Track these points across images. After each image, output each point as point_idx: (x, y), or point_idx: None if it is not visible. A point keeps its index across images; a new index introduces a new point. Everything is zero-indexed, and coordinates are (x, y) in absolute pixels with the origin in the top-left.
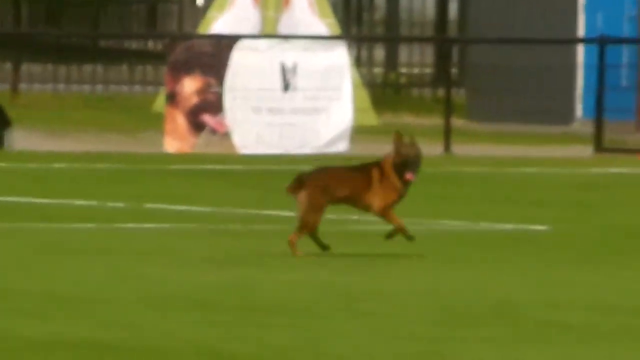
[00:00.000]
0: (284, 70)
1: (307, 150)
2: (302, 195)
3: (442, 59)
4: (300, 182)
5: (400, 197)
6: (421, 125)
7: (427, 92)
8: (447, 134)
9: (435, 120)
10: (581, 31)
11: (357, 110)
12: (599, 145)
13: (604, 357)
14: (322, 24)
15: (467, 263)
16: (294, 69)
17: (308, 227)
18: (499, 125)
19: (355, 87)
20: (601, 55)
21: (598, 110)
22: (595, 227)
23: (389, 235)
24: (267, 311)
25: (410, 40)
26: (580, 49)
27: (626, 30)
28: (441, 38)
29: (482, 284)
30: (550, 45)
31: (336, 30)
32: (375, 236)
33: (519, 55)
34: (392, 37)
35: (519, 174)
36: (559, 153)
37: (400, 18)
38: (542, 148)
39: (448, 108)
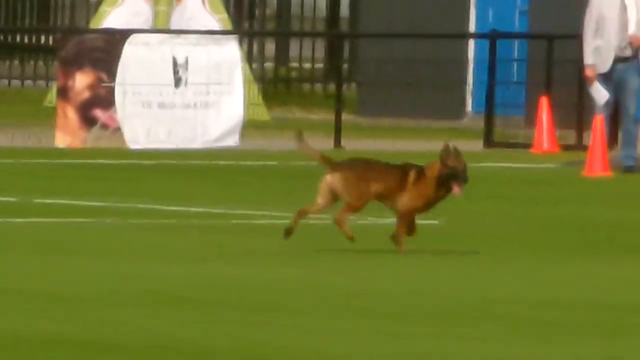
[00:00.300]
0: (175, 65)
1: (197, 145)
2: (340, 178)
3: (333, 54)
4: (335, 166)
5: (427, 207)
6: (312, 120)
7: (318, 87)
8: (338, 129)
9: (326, 115)
10: (472, 26)
11: (248, 105)
12: (489, 140)
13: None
14: (214, 19)
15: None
16: (186, 63)
17: (356, 209)
18: (390, 120)
19: (246, 82)
20: (492, 50)
21: (488, 105)
22: (484, 221)
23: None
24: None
25: (302, 35)
26: (472, 44)
27: (517, 25)
28: (332, 33)
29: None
30: (442, 40)
31: (228, 25)
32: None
33: (410, 50)
34: (284, 32)
35: None
36: None
37: (291, 13)
38: (433, 142)
39: (339, 103)
